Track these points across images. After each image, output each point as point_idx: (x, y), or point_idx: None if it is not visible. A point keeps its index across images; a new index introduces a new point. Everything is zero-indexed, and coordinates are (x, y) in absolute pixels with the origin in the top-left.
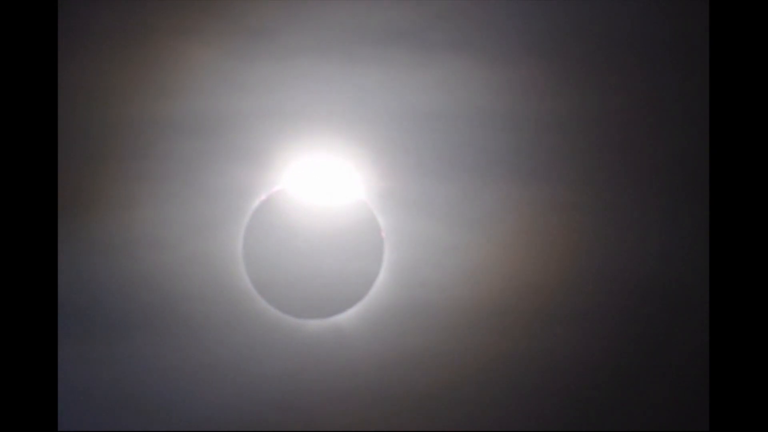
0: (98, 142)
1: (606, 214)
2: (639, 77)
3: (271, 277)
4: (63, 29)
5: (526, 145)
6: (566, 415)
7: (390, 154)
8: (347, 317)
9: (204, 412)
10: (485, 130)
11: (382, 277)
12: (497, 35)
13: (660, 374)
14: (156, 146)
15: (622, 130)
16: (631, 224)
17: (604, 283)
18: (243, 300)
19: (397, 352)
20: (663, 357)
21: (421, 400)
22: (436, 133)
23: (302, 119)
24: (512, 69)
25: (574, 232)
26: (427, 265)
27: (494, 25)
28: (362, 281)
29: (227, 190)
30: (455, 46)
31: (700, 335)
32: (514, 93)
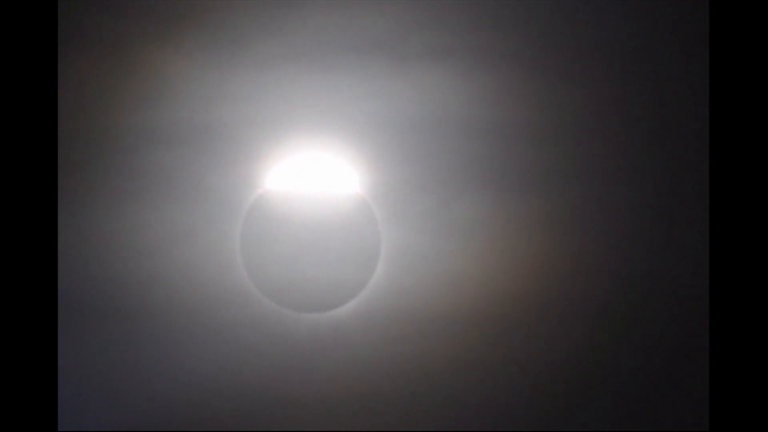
0: (81, 150)
1: (583, 222)
2: (621, 87)
3: (268, 273)
4: None
5: (503, 153)
6: (557, 416)
7: (369, 162)
8: (344, 312)
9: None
10: (463, 138)
11: (377, 276)
12: (475, 44)
13: (654, 377)
14: (140, 154)
15: (602, 140)
16: (607, 233)
17: (581, 291)
18: (241, 297)
19: (382, 357)
20: (651, 360)
21: (406, 401)
22: (414, 142)
23: (281, 127)
24: (490, 78)
25: (551, 241)
26: (406, 273)
27: (472, 34)
28: (358, 278)
29: (218, 193)
30: (433, 55)
31: (690, 339)
32: (492, 102)
